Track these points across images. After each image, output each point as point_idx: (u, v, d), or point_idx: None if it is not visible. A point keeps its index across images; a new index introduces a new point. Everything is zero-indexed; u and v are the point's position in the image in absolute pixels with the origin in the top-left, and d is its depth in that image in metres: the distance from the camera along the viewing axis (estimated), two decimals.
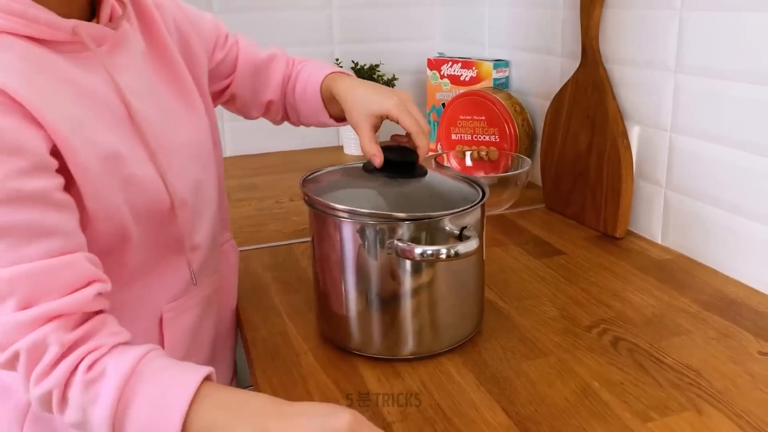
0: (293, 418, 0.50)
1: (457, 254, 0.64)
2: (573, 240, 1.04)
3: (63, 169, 0.56)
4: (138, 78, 0.65)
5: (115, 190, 0.60)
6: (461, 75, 1.41)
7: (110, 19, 0.64)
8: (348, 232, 0.69)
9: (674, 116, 0.95)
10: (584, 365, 0.70)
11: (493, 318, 0.80)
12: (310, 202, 0.73)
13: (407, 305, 0.69)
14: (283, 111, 0.90)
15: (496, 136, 1.29)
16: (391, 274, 0.68)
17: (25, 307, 0.52)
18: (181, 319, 0.71)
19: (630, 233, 1.05)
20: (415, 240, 0.67)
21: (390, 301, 0.69)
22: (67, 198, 0.56)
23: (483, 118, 1.30)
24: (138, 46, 0.68)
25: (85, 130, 0.57)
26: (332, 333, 0.75)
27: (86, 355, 0.53)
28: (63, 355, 0.53)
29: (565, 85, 1.12)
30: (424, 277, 0.69)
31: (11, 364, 0.53)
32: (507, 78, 1.38)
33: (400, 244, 0.65)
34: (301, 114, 0.89)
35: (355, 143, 1.59)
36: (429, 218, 0.67)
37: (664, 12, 0.94)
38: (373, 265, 0.68)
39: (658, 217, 1.01)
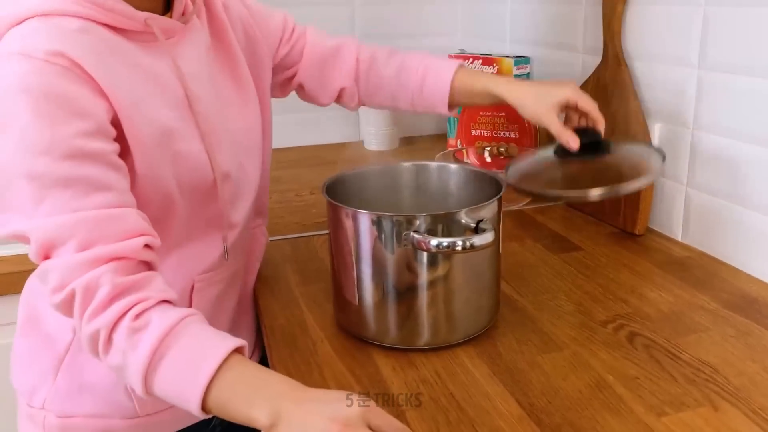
0: (307, 403, 0.52)
1: (472, 246, 0.64)
2: (591, 236, 1.04)
3: (120, 139, 0.62)
4: (199, 68, 0.72)
5: (166, 162, 0.66)
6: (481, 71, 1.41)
7: (183, 14, 0.72)
8: (364, 223, 0.70)
9: (696, 113, 0.94)
10: (599, 359, 0.70)
11: (509, 311, 0.80)
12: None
13: (423, 296, 0.70)
14: (358, 97, 0.94)
15: (516, 133, 1.29)
16: (408, 266, 0.69)
17: (83, 249, 0.57)
18: (209, 291, 0.76)
19: (650, 230, 1.04)
20: (432, 232, 0.67)
21: (406, 292, 0.70)
22: (121, 162, 0.62)
23: (503, 114, 1.30)
24: (204, 40, 0.75)
25: (144, 106, 0.64)
26: (348, 322, 0.76)
27: (136, 303, 0.57)
28: (114, 298, 0.57)
29: (587, 81, 1.12)
30: (440, 269, 0.70)
31: (68, 303, 0.58)
32: (528, 74, 1.38)
33: (416, 235, 0.66)
34: (401, 100, 0.92)
35: (375, 139, 1.60)
36: (447, 213, 0.68)
37: (688, 8, 0.93)
38: (390, 257, 0.69)
39: (678, 215, 1.00)
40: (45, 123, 0.56)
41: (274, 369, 0.70)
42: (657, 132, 1.02)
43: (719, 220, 0.93)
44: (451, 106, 0.91)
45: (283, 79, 0.92)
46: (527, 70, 1.38)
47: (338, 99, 0.95)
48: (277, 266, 0.95)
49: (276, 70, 0.89)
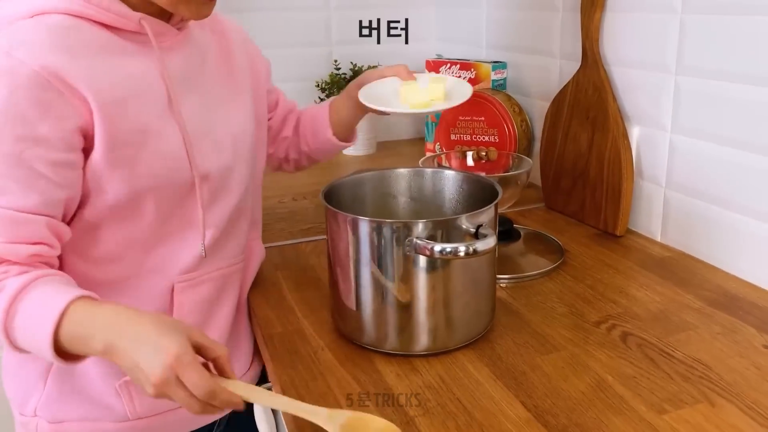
0: (141, 336, 0.57)
1: (475, 252, 0.65)
2: (574, 238, 1.06)
3: (90, 139, 0.65)
4: (189, 72, 0.75)
5: (142, 159, 0.68)
6: (460, 76, 1.43)
7: (181, 19, 0.74)
8: (364, 230, 0.70)
9: (674, 117, 0.98)
10: (596, 360, 0.71)
11: (504, 314, 0.82)
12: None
13: (423, 302, 0.71)
14: (285, 154, 1.01)
15: (496, 137, 1.31)
16: (408, 272, 0.69)
17: None
18: (193, 293, 0.76)
19: (630, 231, 1.07)
20: (431, 238, 0.68)
21: (407, 299, 0.70)
22: (70, 175, 0.64)
23: (482, 118, 1.31)
24: (202, 48, 0.78)
25: (125, 105, 0.66)
26: (348, 329, 0.75)
27: None
28: None
29: (566, 86, 1.14)
30: (440, 274, 0.70)
31: None
32: (505, 79, 1.40)
33: (419, 242, 0.67)
34: (304, 140, 1.00)
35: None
36: (447, 218, 0.68)
37: (665, 15, 0.96)
38: (390, 263, 0.69)
39: (657, 216, 1.03)
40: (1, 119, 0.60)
41: (277, 378, 0.70)
42: (636, 135, 1.05)
43: (697, 221, 0.96)
44: (334, 128, 0.96)
45: None
46: (504, 75, 1.40)
47: (273, 153, 1.01)
48: (268, 274, 0.94)
49: None
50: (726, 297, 0.85)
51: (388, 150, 1.64)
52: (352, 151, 1.61)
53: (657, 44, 0.98)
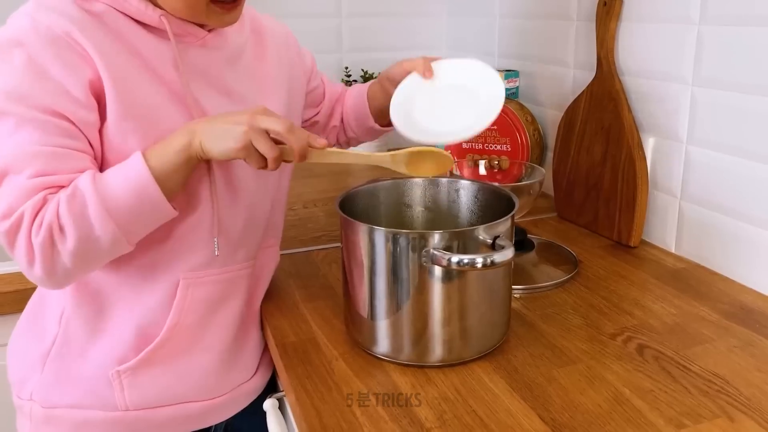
0: (212, 121, 0.68)
1: (493, 263, 0.65)
2: (588, 248, 1.05)
3: (104, 107, 0.68)
4: (212, 69, 0.76)
5: (154, 135, 0.70)
6: None
7: None
8: (381, 240, 0.70)
9: (690, 128, 0.97)
10: (613, 372, 0.71)
11: (519, 325, 0.81)
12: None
13: (439, 313, 0.70)
14: (335, 135, 1.03)
15: (508, 146, 1.31)
16: (424, 283, 0.69)
17: (35, 177, 0.64)
18: (197, 291, 0.77)
19: (644, 242, 1.07)
20: (447, 249, 0.67)
21: (422, 309, 0.70)
22: (90, 126, 0.68)
23: (495, 127, 1.31)
24: (235, 50, 0.79)
25: (135, 88, 0.69)
26: (363, 339, 0.75)
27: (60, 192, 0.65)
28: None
29: (580, 95, 1.14)
30: (456, 285, 0.70)
31: (15, 228, 0.64)
32: (517, 88, 1.40)
33: (436, 252, 0.66)
34: (349, 128, 1.01)
35: (363, 150, 1.60)
36: (464, 229, 0.68)
37: (681, 26, 0.96)
38: (406, 274, 0.69)
39: (672, 227, 1.03)
40: (28, 76, 0.65)
41: (291, 388, 0.70)
42: (651, 145, 1.04)
43: (712, 232, 0.96)
44: (375, 116, 0.96)
45: (306, 117, 0.97)
46: (517, 84, 1.40)
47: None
48: (280, 282, 0.94)
49: (305, 104, 0.94)
50: (742, 310, 0.84)
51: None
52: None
53: (674, 55, 0.98)
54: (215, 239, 0.76)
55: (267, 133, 0.67)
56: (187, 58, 0.74)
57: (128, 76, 0.69)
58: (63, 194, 0.64)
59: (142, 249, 0.72)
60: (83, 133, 0.67)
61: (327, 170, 1.53)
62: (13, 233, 0.64)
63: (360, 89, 0.99)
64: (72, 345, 0.77)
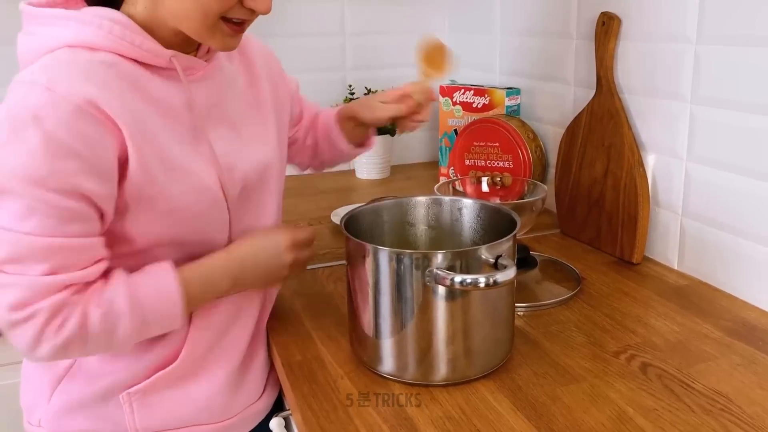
0: (255, 263, 0.77)
1: (496, 283, 0.66)
2: (591, 265, 1.06)
3: (124, 169, 0.67)
4: (217, 103, 0.77)
5: (171, 190, 0.70)
6: (473, 102, 1.44)
7: (207, 51, 0.77)
8: (385, 260, 0.70)
9: (690, 145, 0.98)
10: (617, 391, 0.71)
11: (522, 343, 0.82)
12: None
13: (443, 332, 0.71)
14: (309, 155, 1.05)
15: (510, 162, 1.32)
16: (428, 302, 0.70)
17: (51, 274, 0.64)
18: (210, 312, 0.78)
19: (646, 259, 1.07)
20: (451, 268, 0.68)
21: (426, 328, 0.71)
22: (108, 199, 0.67)
23: (497, 144, 1.32)
24: (230, 78, 0.80)
25: (156, 140, 0.69)
26: (368, 357, 0.76)
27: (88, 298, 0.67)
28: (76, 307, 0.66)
29: (580, 113, 1.15)
30: (460, 304, 0.71)
31: (25, 321, 0.64)
32: (519, 105, 1.41)
33: (439, 272, 0.67)
34: (320, 149, 1.04)
35: (366, 168, 1.62)
36: (467, 249, 0.69)
37: (680, 45, 0.97)
38: (410, 293, 0.70)
39: (674, 244, 1.03)
40: (48, 156, 0.61)
41: (297, 407, 0.70)
42: (651, 163, 1.05)
43: (714, 249, 0.96)
44: (347, 136, 1.00)
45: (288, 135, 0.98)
46: (518, 101, 1.41)
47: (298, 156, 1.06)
48: (285, 301, 0.94)
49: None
50: (745, 327, 0.85)
51: (401, 173, 1.66)
52: (365, 174, 1.62)
53: (672, 74, 0.99)
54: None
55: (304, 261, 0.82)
56: (195, 95, 0.74)
57: (148, 127, 0.68)
58: (96, 309, 0.66)
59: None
60: (99, 208, 0.66)
61: (332, 188, 1.55)
62: (20, 325, 0.64)
63: (329, 114, 1.02)
64: (83, 370, 0.77)
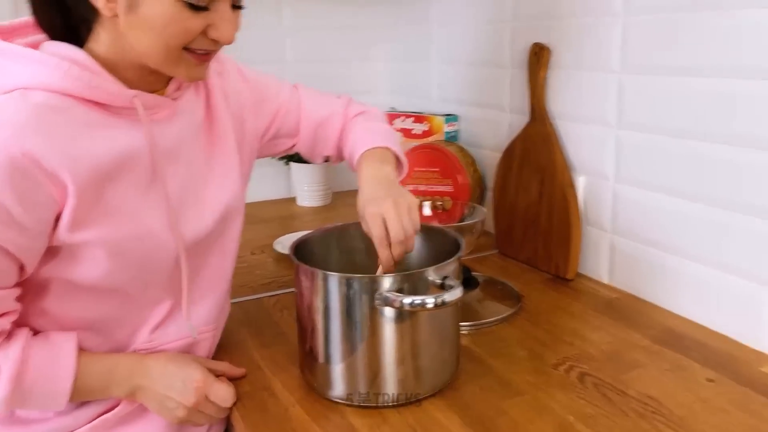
0: (161, 378, 0.73)
1: (444, 303, 0.68)
2: (529, 283, 1.11)
3: (60, 218, 0.65)
4: (179, 142, 0.74)
5: (124, 237, 0.68)
6: (413, 129, 1.49)
7: (177, 89, 0.74)
8: (335, 285, 0.72)
9: (617, 167, 1.05)
10: (557, 401, 0.75)
11: (467, 361, 0.84)
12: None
13: (392, 353, 0.73)
14: (339, 159, 0.98)
15: (450, 186, 1.36)
16: (378, 325, 0.72)
17: None
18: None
19: (579, 275, 1.13)
20: (400, 290, 0.71)
21: (376, 351, 0.73)
22: (37, 255, 0.66)
23: (437, 169, 1.37)
24: (194, 116, 0.77)
25: (102, 186, 0.66)
26: (318, 383, 0.77)
27: None
28: None
29: (515, 139, 1.21)
30: (408, 325, 0.73)
31: None
32: (457, 131, 1.47)
33: (389, 295, 0.69)
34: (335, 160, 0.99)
35: (307, 195, 1.63)
36: (415, 272, 0.71)
37: (605, 74, 1.05)
38: (360, 317, 0.72)
39: (605, 260, 1.10)
40: None
41: None
42: (582, 184, 1.12)
43: (641, 264, 1.03)
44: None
45: (283, 149, 0.95)
46: (456, 127, 1.47)
47: (325, 161, 1.00)
48: (232, 332, 0.94)
49: (275, 140, 0.92)
50: (671, 335, 0.91)
51: (343, 200, 1.67)
52: (307, 202, 1.63)
53: (598, 100, 1.06)
54: (186, 312, 0.76)
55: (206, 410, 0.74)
56: (157, 137, 0.71)
57: (97, 179, 0.65)
58: None
59: (101, 326, 0.73)
60: (18, 259, 0.64)
61: (273, 216, 1.55)
62: None
63: (352, 155, 0.88)
64: (23, 415, 0.75)
